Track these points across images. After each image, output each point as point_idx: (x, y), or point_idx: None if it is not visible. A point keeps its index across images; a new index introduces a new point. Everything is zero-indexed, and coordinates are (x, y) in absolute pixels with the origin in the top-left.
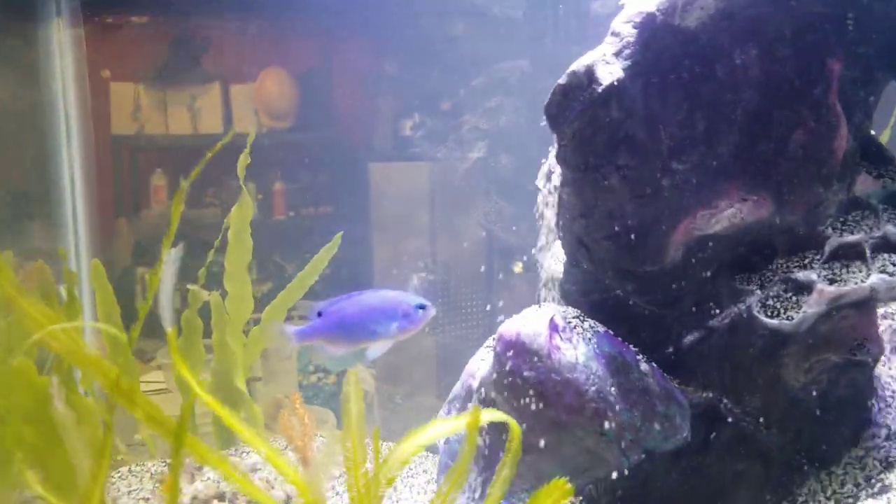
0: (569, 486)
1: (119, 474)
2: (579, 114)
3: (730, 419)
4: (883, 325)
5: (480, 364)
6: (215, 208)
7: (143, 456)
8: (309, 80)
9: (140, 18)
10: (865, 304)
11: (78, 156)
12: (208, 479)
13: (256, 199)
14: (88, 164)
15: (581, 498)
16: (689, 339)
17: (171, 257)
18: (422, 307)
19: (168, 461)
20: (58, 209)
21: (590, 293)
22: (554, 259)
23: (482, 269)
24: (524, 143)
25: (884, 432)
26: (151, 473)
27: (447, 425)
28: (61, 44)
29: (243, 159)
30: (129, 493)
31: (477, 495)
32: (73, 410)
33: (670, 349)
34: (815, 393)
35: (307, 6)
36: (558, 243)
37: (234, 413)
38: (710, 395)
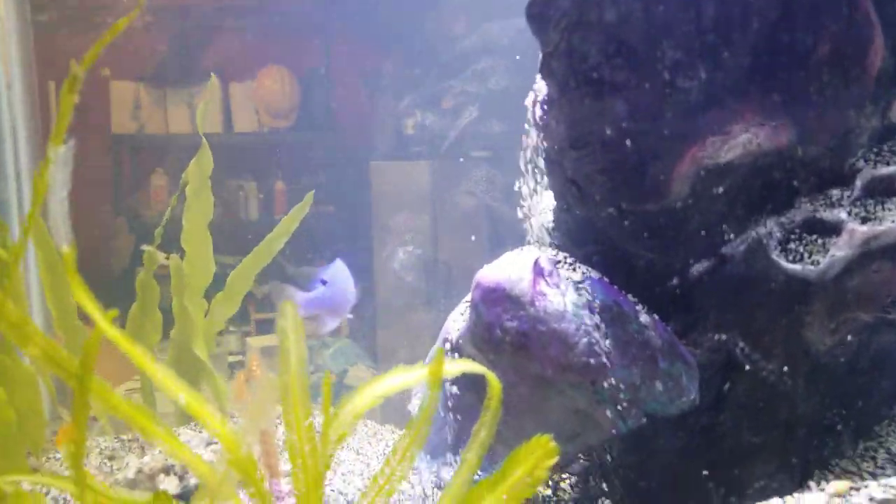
0: (552, 444)
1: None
2: (567, 12)
3: (748, 367)
4: None
5: (458, 319)
6: (217, 208)
7: (93, 432)
8: (310, 79)
9: (115, 14)
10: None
11: (20, 97)
12: (158, 452)
13: (258, 199)
14: (30, 97)
15: (574, 477)
16: (698, 268)
17: (60, 156)
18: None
19: (121, 437)
20: None
21: (583, 244)
22: (543, 208)
23: (472, 238)
24: (518, 107)
25: None
26: (101, 449)
27: (407, 375)
28: None
29: (202, 108)
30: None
31: (453, 461)
32: (10, 377)
33: (675, 281)
34: (842, 358)
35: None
36: (549, 193)
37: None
38: (724, 337)
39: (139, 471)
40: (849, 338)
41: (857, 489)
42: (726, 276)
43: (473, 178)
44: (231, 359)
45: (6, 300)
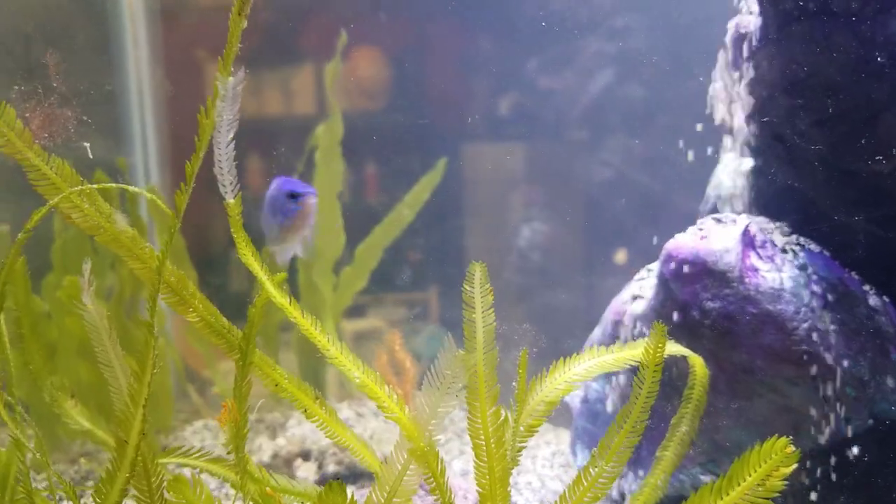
0: (791, 448)
1: (192, 428)
2: None
3: None
4: None
5: (632, 303)
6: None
7: (216, 407)
8: (402, 59)
9: None
10: None
11: (147, 70)
12: (292, 434)
13: (349, 181)
14: (156, 66)
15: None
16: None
17: (229, 90)
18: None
19: (252, 416)
20: (123, 113)
21: (783, 215)
22: (727, 173)
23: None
24: (659, 71)
25: None
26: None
27: (603, 357)
28: None
29: (332, 68)
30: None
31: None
32: (136, 345)
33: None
34: None
35: None
36: (730, 155)
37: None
38: None
39: (275, 455)
40: None
41: None
42: None
43: (609, 147)
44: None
45: (166, 261)
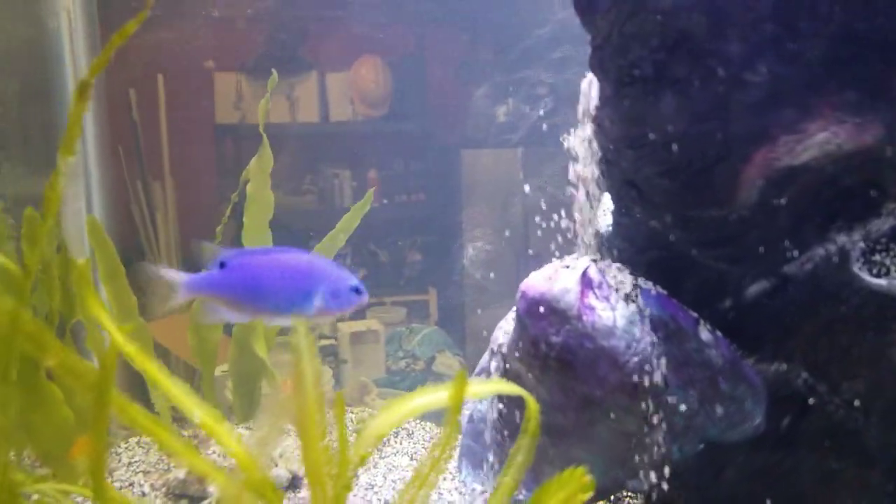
0: (587, 478)
1: (126, 445)
2: (613, 7)
3: (812, 400)
4: None
5: (505, 327)
6: (312, 195)
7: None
8: (403, 68)
9: (219, 8)
10: None
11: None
12: (211, 452)
13: (352, 187)
14: (100, 111)
15: (640, 497)
16: (755, 289)
17: (69, 168)
18: (357, 290)
19: (183, 433)
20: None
21: (646, 250)
22: (602, 212)
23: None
24: None
25: None
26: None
27: (430, 397)
28: None
29: (263, 104)
30: (130, 464)
31: (493, 485)
32: (70, 372)
33: (727, 303)
34: None
35: None
36: (607, 196)
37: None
38: (785, 367)
39: (189, 472)
40: None
41: None
42: (788, 300)
43: (546, 172)
44: (323, 342)
45: (23, 311)
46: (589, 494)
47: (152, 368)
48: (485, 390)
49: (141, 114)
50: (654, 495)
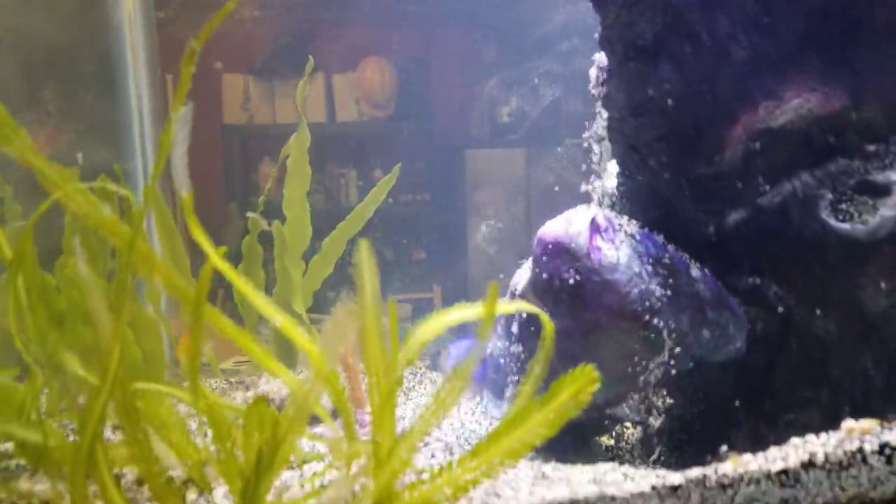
0: (595, 372)
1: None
2: None
3: (780, 309)
4: None
5: (521, 274)
6: (319, 195)
7: (205, 375)
8: (408, 69)
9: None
10: None
11: (145, 79)
12: (261, 389)
13: (357, 186)
14: (154, 87)
15: (638, 428)
16: (734, 217)
17: (181, 117)
18: None
19: (230, 380)
20: (122, 123)
21: (648, 209)
22: (610, 174)
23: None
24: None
25: None
26: (212, 389)
27: (466, 310)
28: None
29: (302, 85)
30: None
31: (509, 400)
32: (135, 321)
33: (711, 230)
34: None
35: None
36: (613, 162)
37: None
38: (759, 281)
39: (244, 402)
40: None
41: (890, 428)
42: (762, 227)
43: (556, 155)
44: None
45: (136, 237)
46: (596, 386)
47: (239, 282)
48: (511, 308)
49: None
50: (651, 423)
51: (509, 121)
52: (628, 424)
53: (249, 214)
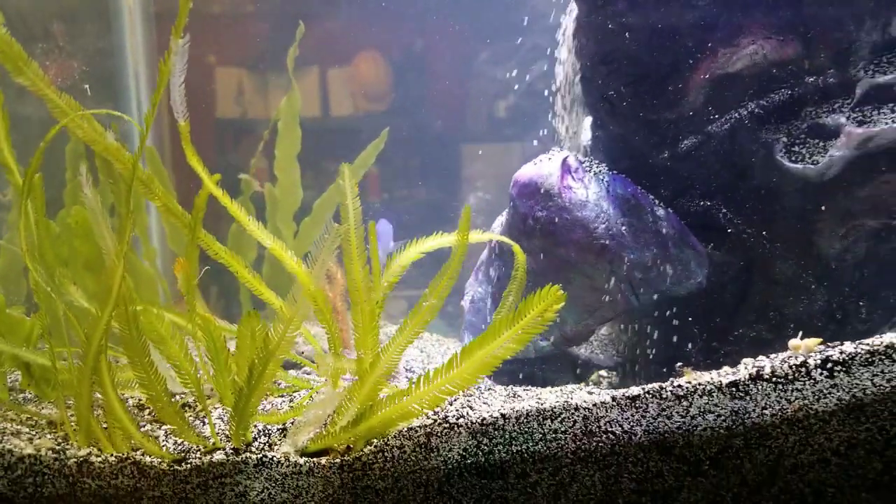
0: (560, 292)
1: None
2: None
3: (730, 230)
4: None
5: (499, 220)
6: (313, 191)
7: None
8: (403, 63)
9: (220, 4)
10: None
11: (142, 48)
12: (300, 350)
13: (352, 181)
14: (150, 56)
15: (614, 374)
16: (687, 143)
17: (179, 48)
18: None
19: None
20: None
21: (619, 159)
22: (585, 126)
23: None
24: None
25: None
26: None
27: (443, 238)
28: None
29: (292, 52)
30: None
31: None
32: (134, 273)
33: (666, 153)
34: (850, 258)
35: None
36: (588, 119)
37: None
38: (709, 203)
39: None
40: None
41: (832, 346)
42: (711, 151)
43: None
44: None
45: (137, 162)
46: (562, 304)
47: (234, 209)
48: (484, 237)
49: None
50: (625, 368)
51: (506, 115)
52: (604, 372)
53: (242, 176)
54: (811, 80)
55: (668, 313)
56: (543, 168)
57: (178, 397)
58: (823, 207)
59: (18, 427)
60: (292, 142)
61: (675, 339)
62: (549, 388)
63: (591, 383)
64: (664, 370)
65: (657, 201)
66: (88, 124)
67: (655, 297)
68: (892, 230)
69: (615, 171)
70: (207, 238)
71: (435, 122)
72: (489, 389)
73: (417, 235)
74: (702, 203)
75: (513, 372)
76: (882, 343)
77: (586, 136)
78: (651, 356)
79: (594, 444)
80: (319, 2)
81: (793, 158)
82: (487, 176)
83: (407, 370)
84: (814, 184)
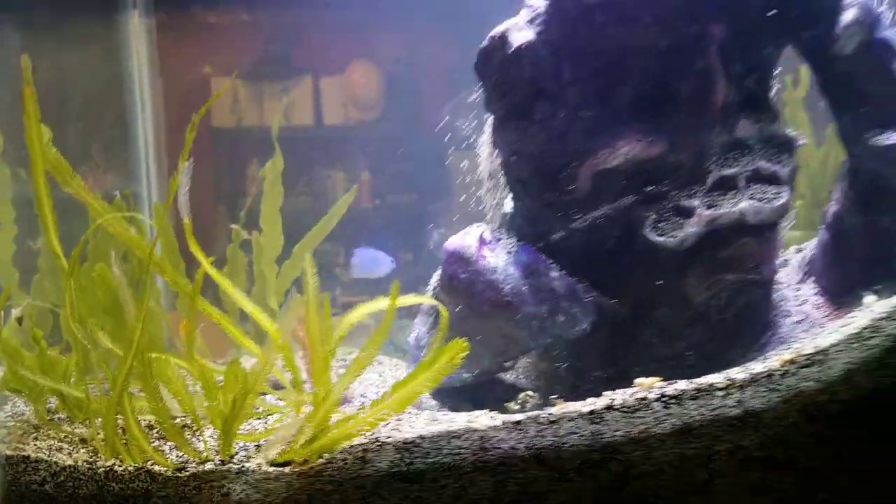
0: (465, 344)
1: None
2: (497, 69)
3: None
4: (798, 256)
5: (436, 276)
6: (307, 197)
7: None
8: (395, 72)
9: (216, 14)
10: (762, 233)
11: (150, 117)
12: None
13: (344, 188)
14: (158, 122)
15: (536, 395)
16: (576, 226)
17: (185, 169)
18: None
19: (216, 361)
20: (134, 158)
21: (532, 224)
22: (507, 202)
23: None
24: None
25: (770, 336)
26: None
27: (377, 304)
28: (136, 30)
29: (278, 119)
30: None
31: None
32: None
33: (559, 236)
34: (715, 305)
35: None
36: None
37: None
38: (599, 265)
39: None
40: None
41: (669, 383)
42: (575, 242)
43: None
44: None
45: (140, 240)
46: (465, 353)
47: (223, 281)
48: (410, 300)
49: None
50: (543, 391)
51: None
52: (531, 392)
53: (233, 226)
54: (673, 172)
55: (573, 348)
56: (466, 240)
57: (178, 420)
58: (692, 265)
59: (60, 444)
60: (275, 198)
61: (579, 368)
62: (463, 414)
63: (518, 402)
64: (572, 392)
65: (553, 265)
66: (118, 222)
67: (549, 340)
68: (747, 283)
69: (522, 241)
70: (204, 304)
71: (425, 130)
72: (417, 414)
73: (412, 242)
74: (593, 265)
75: (458, 393)
76: (706, 382)
77: (508, 207)
78: (560, 381)
79: (488, 456)
80: (313, 12)
81: (658, 233)
82: (449, 211)
83: (362, 395)
84: (679, 250)
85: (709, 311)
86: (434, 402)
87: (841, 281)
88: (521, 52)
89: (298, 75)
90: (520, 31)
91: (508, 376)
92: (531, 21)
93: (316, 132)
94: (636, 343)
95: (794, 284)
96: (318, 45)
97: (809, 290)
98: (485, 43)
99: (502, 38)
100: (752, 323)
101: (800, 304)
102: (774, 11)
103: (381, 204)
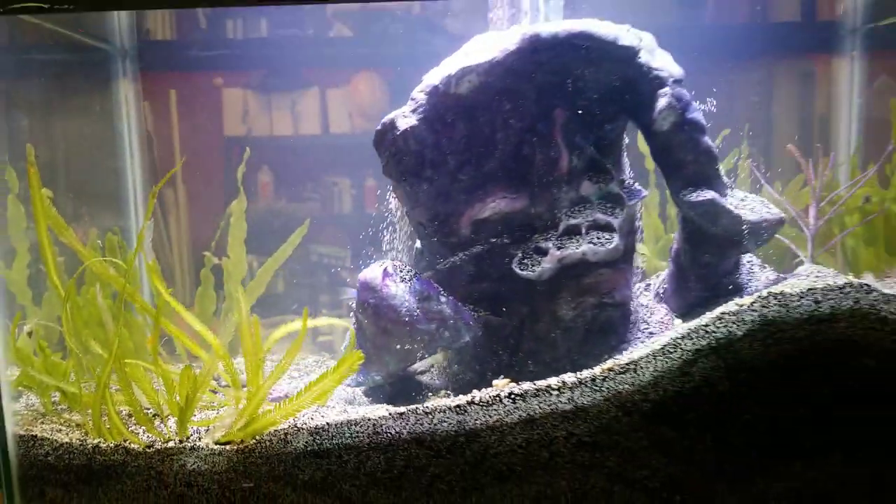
0: (361, 354)
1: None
2: (389, 146)
3: (502, 306)
4: (657, 282)
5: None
6: (314, 202)
7: (173, 360)
8: (398, 82)
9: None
10: (616, 265)
11: (139, 168)
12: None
13: (351, 194)
14: (145, 174)
15: (451, 393)
16: (457, 258)
17: (147, 230)
18: None
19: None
20: (124, 206)
21: (429, 263)
22: (416, 240)
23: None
24: None
25: (625, 346)
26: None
27: (294, 325)
28: (126, 94)
29: (241, 167)
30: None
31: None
32: (128, 327)
33: (451, 262)
34: (580, 321)
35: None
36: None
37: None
38: (483, 289)
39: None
40: (586, 312)
41: (518, 384)
42: (461, 270)
43: None
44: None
45: (127, 286)
46: (361, 361)
47: (174, 303)
48: (325, 322)
49: (156, 126)
50: (452, 389)
51: None
52: (449, 391)
53: (205, 253)
54: (533, 221)
55: (473, 355)
56: (373, 272)
57: (150, 410)
58: (561, 290)
59: (60, 427)
60: (240, 231)
61: (480, 371)
62: (366, 407)
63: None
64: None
65: (443, 292)
66: (100, 264)
67: (438, 350)
68: (604, 304)
69: (428, 271)
70: (171, 328)
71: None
72: (332, 407)
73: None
74: (481, 290)
75: (385, 393)
76: (544, 383)
77: (418, 243)
78: (465, 382)
79: (379, 439)
80: (320, 26)
81: (521, 268)
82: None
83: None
84: (543, 280)
85: (577, 326)
86: (367, 400)
87: (682, 303)
88: (408, 132)
89: (306, 87)
90: (405, 118)
91: (425, 378)
92: (414, 111)
93: (322, 140)
94: (522, 350)
95: (651, 305)
96: (326, 58)
97: (662, 310)
98: (378, 126)
99: (392, 123)
100: (611, 336)
101: (652, 321)
102: (581, 111)
103: (385, 210)
